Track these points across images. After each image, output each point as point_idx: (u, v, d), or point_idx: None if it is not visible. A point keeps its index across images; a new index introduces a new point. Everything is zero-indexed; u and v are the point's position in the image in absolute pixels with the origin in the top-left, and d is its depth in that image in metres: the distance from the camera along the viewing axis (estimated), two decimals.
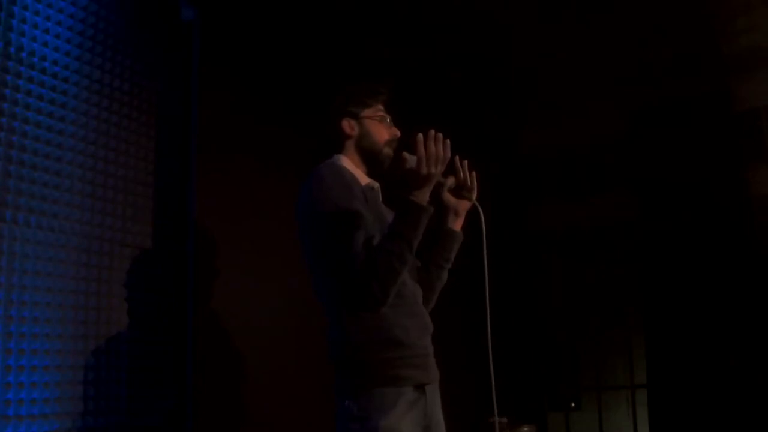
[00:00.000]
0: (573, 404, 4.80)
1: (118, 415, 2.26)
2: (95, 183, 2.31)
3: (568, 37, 3.91)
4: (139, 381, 2.35)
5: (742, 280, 3.88)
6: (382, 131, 2.02)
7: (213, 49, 2.80)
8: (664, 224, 4.35)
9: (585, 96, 4.49)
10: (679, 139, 4.28)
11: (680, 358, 4.15)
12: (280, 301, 2.79)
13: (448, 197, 2.07)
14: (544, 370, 4.86)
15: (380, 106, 2.05)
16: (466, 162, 2.03)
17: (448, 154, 1.79)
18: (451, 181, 2.03)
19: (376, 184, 2.01)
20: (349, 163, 2.00)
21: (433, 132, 1.78)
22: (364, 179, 1.99)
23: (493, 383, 1.89)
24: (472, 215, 2.05)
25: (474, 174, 2.03)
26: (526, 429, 3.67)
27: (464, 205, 2.07)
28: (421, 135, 1.77)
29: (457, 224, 2.09)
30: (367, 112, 2.03)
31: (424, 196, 1.81)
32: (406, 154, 1.90)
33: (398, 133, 2.04)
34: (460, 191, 2.04)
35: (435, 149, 1.77)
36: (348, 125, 2.02)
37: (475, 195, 2.04)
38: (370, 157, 2.01)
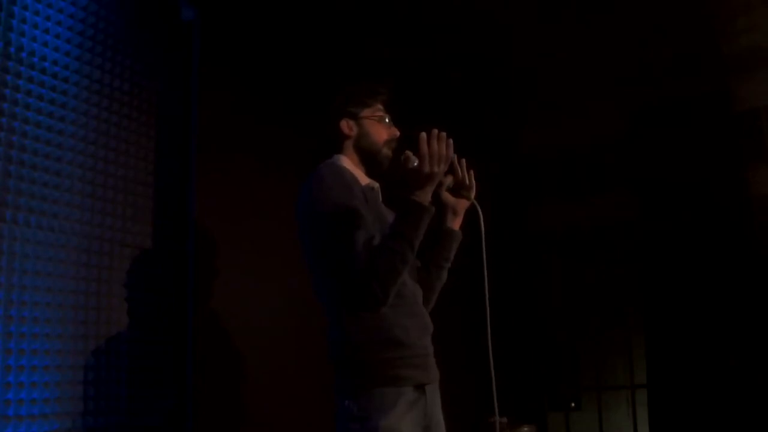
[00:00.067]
0: (573, 404, 4.79)
1: (118, 415, 2.26)
2: (95, 183, 2.31)
3: (568, 37, 3.91)
4: (139, 381, 2.35)
5: (742, 280, 3.88)
6: (381, 131, 2.02)
7: (213, 49, 2.80)
8: (664, 224, 4.35)
9: (585, 96, 4.49)
10: (679, 139, 4.28)
11: (680, 358, 4.15)
12: (280, 301, 2.79)
13: (447, 196, 2.06)
14: (544, 370, 4.86)
15: (380, 106, 2.05)
16: (464, 161, 2.02)
17: (451, 154, 1.79)
18: (449, 180, 2.03)
19: (376, 185, 2.01)
20: (349, 163, 1.99)
21: (436, 131, 1.78)
22: (364, 179, 1.98)
23: (494, 383, 1.89)
24: (470, 214, 2.05)
25: (472, 173, 2.03)
26: (526, 429, 3.67)
27: (463, 204, 2.07)
28: (424, 134, 1.77)
29: (456, 223, 2.09)
30: (365, 112, 2.02)
31: (426, 196, 1.81)
32: (409, 153, 1.90)
33: (397, 133, 2.03)
34: (458, 190, 2.03)
35: (438, 148, 1.77)
36: (346, 125, 2.01)
37: (473, 194, 2.03)
38: (368, 158, 2.01)
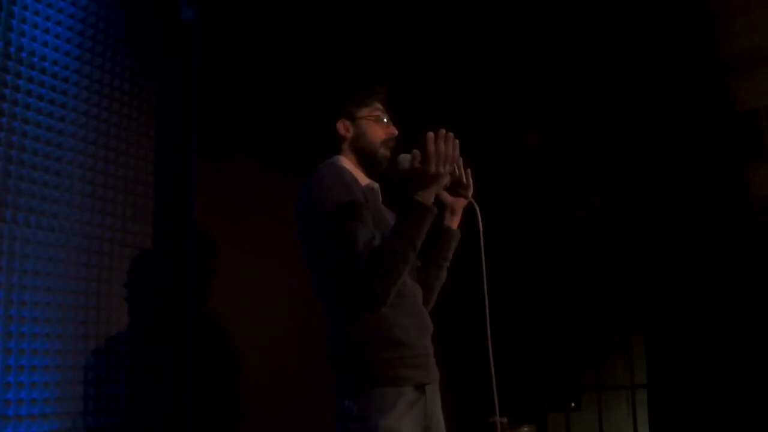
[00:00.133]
0: (573, 404, 4.79)
1: (118, 415, 2.26)
2: (95, 183, 2.31)
3: (568, 37, 3.91)
4: (139, 381, 2.35)
5: (742, 280, 3.88)
6: (378, 131, 2.01)
7: (213, 49, 2.80)
8: (664, 224, 4.35)
9: (585, 96, 4.49)
10: (679, 139, 4.28)
11: (680, 358, 4.15)
12: (280, 301, 2.79)
13: (445, 195, 2.06)
14: (544, 370, 4.86)
15: (378, 105, 2.04)
16: (461, 159, 2.02)
17: (457, 155, 1.79)
18: (446, 179, 2.02)
19: (376, 185, 2.00)
20: (349, 163, 1.99)
21: (443, 131, 1.77)
22: (363, 179, 1.98)
23: (494, 383, 1.89)
24: (469, 213, 2.05)
25: (470, 171, 2.02)
26: (526, 429, 3.67)
27: (460, 203, 2.06)
28: (431, 133, 1.77)
29: (454, 222, 2.08)
30: (362, 113, 2.01)
31: (430, 197, 1.81)
32: (401, 157, 1.90)
33: (395, 132, 2.02)
34: (456, 189, 2.02)
35: (445, 148, 1.77)
36: (343, 127, 2.01)
37: (471, 192, 2.02)
38: (366, 158, 2.00)
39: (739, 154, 3.54)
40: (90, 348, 2.21)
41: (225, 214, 2.70)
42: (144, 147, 2.52)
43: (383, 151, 2.00)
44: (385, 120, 2.03)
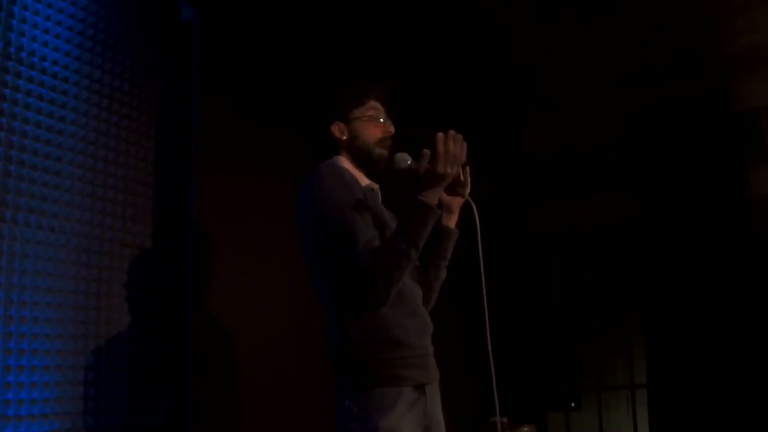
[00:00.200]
0: (573, 404, 4.80)
1: (118, 415, 2.26)
2: (95, 183, 2.31)
3: (568, 37, 3.91)
4: (139, 381, 2.35)
5: (742, 280, 3.88)
6: (373, 130, 1.99)
7: (213, 49, 2.80)
8: (664, 224, 4.35)
9: (585, 96, 4.49)
10: (679, 139, 4.28)
11: (680, 358, 4.15)
12: (280, 301, 2.79)
13: (442, 194, 2.05)
14: (544, 370, 4.86)
15: (372, 104, 2.01)
16: None
17: (464, 157, 1.79)
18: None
19: (376, 186, 2.00)
20: (348, 164, 1.99)
21: (452, 132, 1.78)
22: (363, 180, 1.98)
23: (494, 383, 1.89)
24: (468, 212, 2.04)
25: (467, 170, 2.02)
26: (526, 429, 3.67)
27: (458, 202, 2.05)
28: (441, 134, 1.77)
29: (451, 221, 2.07)
30: (356, 113, 2.00)
31: (434, 197, 1.81)
32: (398, 156, 1.89)
33: (391, 129, 2.00)
34: (453, 187, 2.01)
35: (453, 149, 1.77)
36: (338, 129, 2.00)
37: (467, 190, 2.01)
38: (363, 158, 1.99)
39: (739, 154, 3.54)
40: (90, 348, 2.21)
41: (225, 214, 2.70)
42: (144, 147, 2.52)
43: (379, 151, 1.98)
44: (381, 119, 2.01)
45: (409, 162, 1.93)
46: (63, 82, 2.24)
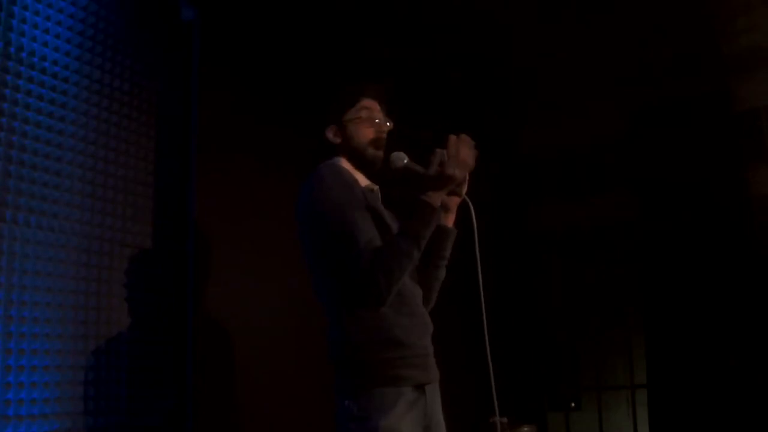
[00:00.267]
0: (573, 404, 4.80)
1: (118, 415, 2.26)
2: (95, 183, 2.31)
3: (568, 37, 3.91)
4: (139, 381, 2.35)
5: (742, 280, 3.88)
6: (365, 131, 1.98)
7: (213, 49, 2.80)
8: (664, 224, 4.35)
9: (585, 96, 4.49)
10: (679, 139, 4.28)
11: (680, 358, 4.15)
12: (280, 301, 2.79)
13: None
14: (544, 370, 4.86)
15: (364, 104, 2.00)
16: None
17: (473, 163, 1.80)
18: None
19: (376, 187, 2.00)
20: (348, 165, 1.99)
21: (465, 136, 1.79)
22: (363, 181, 1.98)
23: (493, 382, 1.89)
24: (464, 211, 2.03)
25: None
26: (526, 429, 3.67)
27: (455, 201, 2.04)
28: (454, 136, 1.78)
29: (449, 220, 2.07)
30: (348, 115, 1.99)
31: (438, 198, 1.82)
32: (393, 155, 1.89)
33: (384, 128, 1.99)
34: None
35: (464, 153, 1.77)
36: (332, 133, 1.99)
37: (464, 189, 1.99)
38: (358, 160, 1.98)
39: (739, 154, 3.54)
40: (90, 348, 2.21)
41: (225, 214, 2.70)
42: (144, 147, 2.52)
43: (372, 151, 1.97)
44: (374, 119, 1.99)
45: (405, 161, 1.93)
46: (63, 82, 2.24)
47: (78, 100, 2.29)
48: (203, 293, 2.58)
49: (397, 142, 2.03)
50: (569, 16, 3.73)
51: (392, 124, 2.03)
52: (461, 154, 1.79)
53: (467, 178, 1.98)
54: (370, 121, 1.99)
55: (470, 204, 1.98)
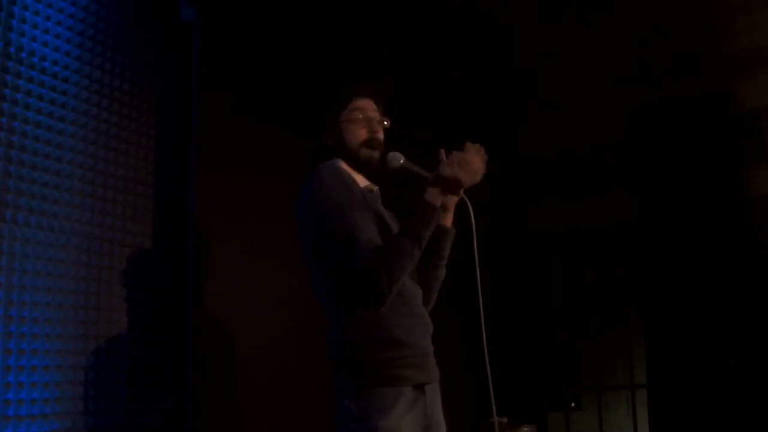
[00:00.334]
0: (573, 404, 4.80)
1: (118, 415, 2.26)
2: (95, 183, 2.31)
3: (568, 37, 3.91)
4: (139, 381, 2.35)
5: (742, 280, 3.88)
6: (358, 132, 1.98)
7: (213, 49, 2.80)
8: (664, 224, 4.35)
9: (585, 96, 4.49)
10: (679, 139, 4.28)
11: (680, 358, 4.15)
12: (280, 301, 2.79)
13: None
14: (544, 370, 4.86)
15: (357, 104, 2.00)
16: (454, 155, 2.00)
17: (481, 175, 1.83)
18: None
19: (375, 187, 2.00)
20: (347, 166, 1.99)
21: (479, 146, 1.83)
22: (363, 182, 1.98)
23: (490, 382, 1.89)
24: (463, 211, 2.03)
25: None
26: (526, 429, 3.67)
27: (453, 200, 2.03)
28: (470, 143, 1.83)
29: (447, 220, 2.07)
30: (341, 117, 1.99)
31: (439, 199, 1.83)
32: (390, 155, 1.90)
33: (376, 128, 1.99)
34: None
35: (478, 163, 1.80)
36: (328, 135, 2.01)
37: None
38: (353, 161, 1.98)
39: (739, 154, 3.54)
40: (90, 348, 2.21)
41: (225, 214, 2.70)
42: (144, 147, 2.52)
43: (366, 152, 1.97)
44: (367, 118, 1.99)
45: (402, 161, 1.93)
46: (63, 82, 2.24)
47: (78, 100, 2.29)
48: (203, 293, 2.58)
49: (397, 142, 2.03)
50: (569, 16, 3.73)
51: (389, 122, 2.03)
52: (476, 162, 1.81)
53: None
54: (362, 122, 1.99)
55: (468, 203, 1.98)
